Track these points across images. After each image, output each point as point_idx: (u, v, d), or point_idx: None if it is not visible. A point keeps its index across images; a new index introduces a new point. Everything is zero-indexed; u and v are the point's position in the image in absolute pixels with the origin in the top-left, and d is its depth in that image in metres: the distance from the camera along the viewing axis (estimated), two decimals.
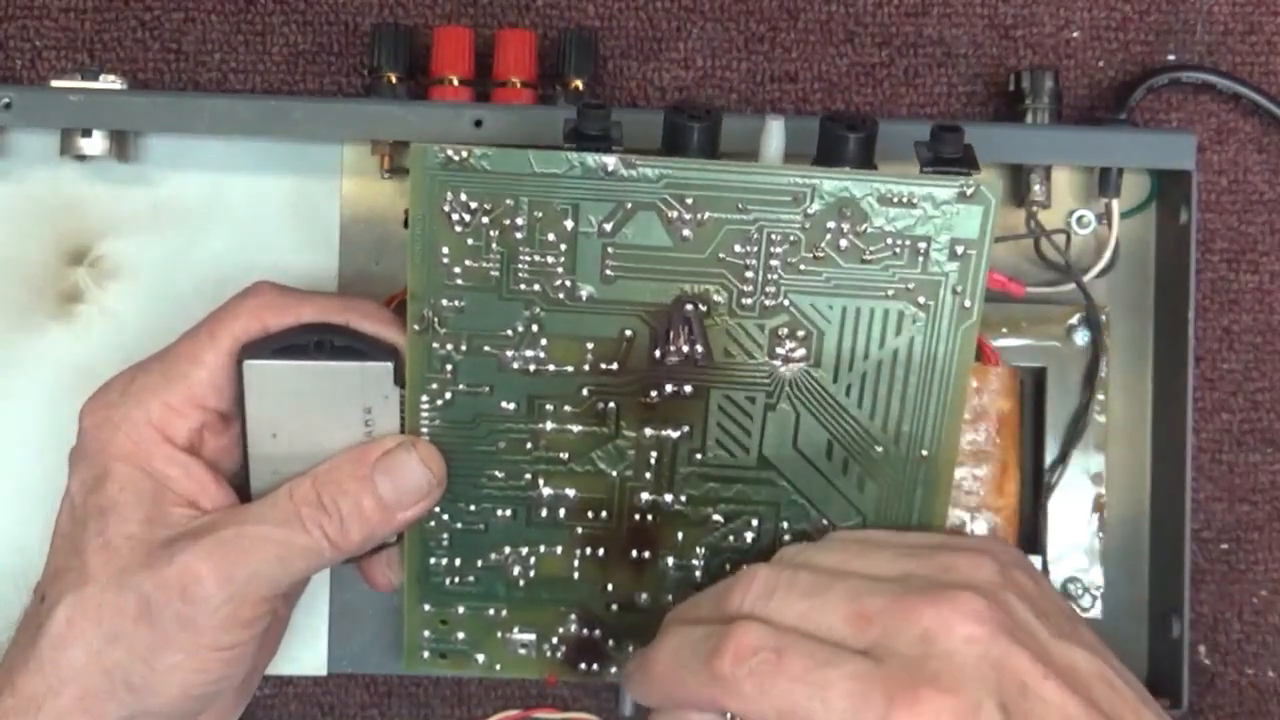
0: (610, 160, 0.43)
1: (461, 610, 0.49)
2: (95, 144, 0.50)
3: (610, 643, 0.49)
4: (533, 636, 0.49)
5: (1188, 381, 0.50)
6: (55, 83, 0.50)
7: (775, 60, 0.55)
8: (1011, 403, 0.52)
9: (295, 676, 0.53)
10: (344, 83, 0.55)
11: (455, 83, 0.51)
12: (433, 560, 0.48)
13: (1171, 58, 0.55)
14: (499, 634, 0.49)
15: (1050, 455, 0.52)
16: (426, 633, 0.49)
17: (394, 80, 0.52)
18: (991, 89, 0.55)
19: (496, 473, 0.47)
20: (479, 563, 0.48)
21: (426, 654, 0.49)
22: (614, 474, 0.47)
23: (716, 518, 0.47)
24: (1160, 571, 0.52)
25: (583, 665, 0.49)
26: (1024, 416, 0.52)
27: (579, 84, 0.52)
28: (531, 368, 0.45)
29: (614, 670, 0.49)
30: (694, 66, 0.55)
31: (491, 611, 0.49)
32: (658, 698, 0.43)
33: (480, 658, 0.49)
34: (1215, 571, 0.55)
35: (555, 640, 0.49)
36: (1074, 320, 0.52)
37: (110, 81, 0.50)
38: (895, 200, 0.43)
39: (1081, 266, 0.52)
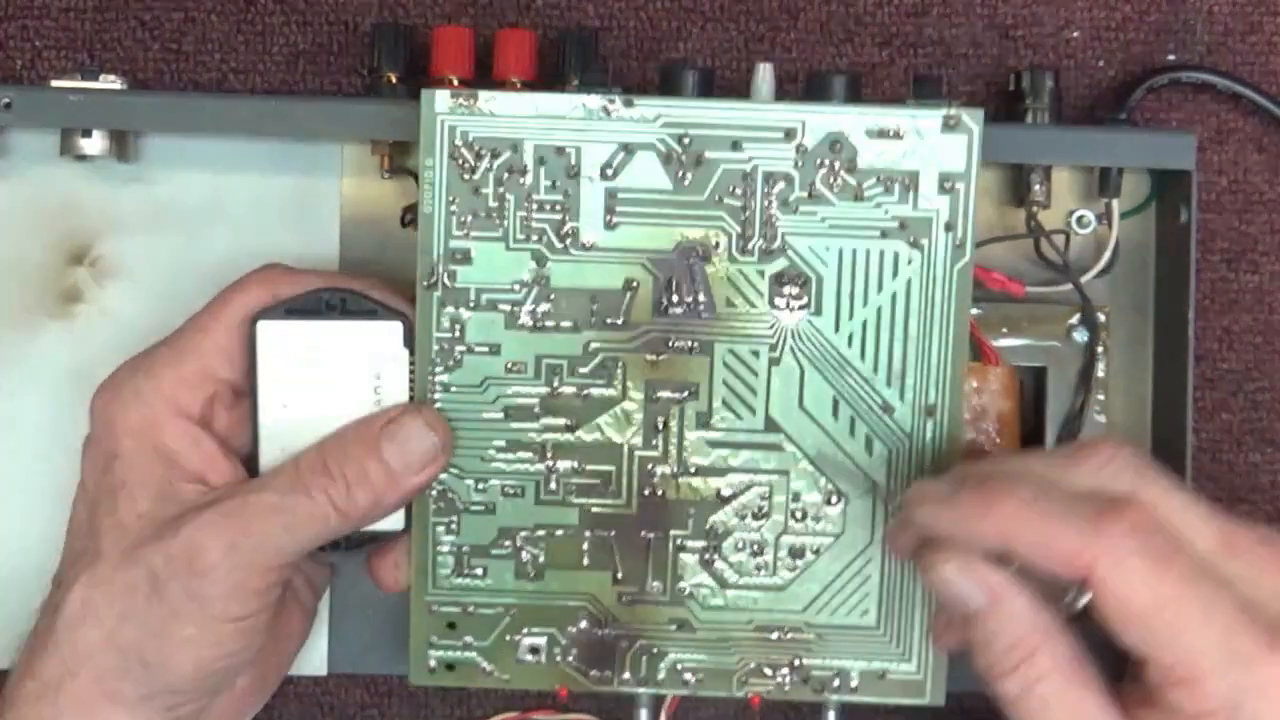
0: (610, 100, 0.45)
1: (469, 609, 0.48)
2: (95, 144, 0.50)
3: (622, 644, 0.49)
4: (542, 640, 0.48)
5: (1188, 381, 0.50)
6: (55, 83, 0.50)
7: (775, 60, 0.54)
8: (1011, 403, 0.52)
9: (295, 676, 0.53)
10: (344, 83, 0.55)
11: (455, 83, 0.51)
12: (441, 550, 0.48)
13: (1171, 58, 0.55)
14: (507, 637, 0.48)
15: None
16: (434, 638, 0.48)
17: (394, 80, 0.52)
18: (991, 89, 0.55)
19: (504, 442, 0.47)
20: (489, 550, 0.48)
21: (433, 664, 0.49)
22: (621, 441, 0.47)
23: (726, 491, 0.47)
24: None
25: (594, 671, 0.48)
26: (1024, 416, 0.52)
27: (579, 84, 0.52)
28: (538, 323, 0.46)
29: (626, 676, 0.49)
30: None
31: (500, 609, 0.48)
32: (979, 532, 0.40)
33: (488, 667, 0.49)
34: None
35: (565, 642, 0.48)
36: (1074, 320, 0.52)
37: (110, 81, 0.50)
38: (882, 133, 0.45)
39: (1081, 266, 0.52)
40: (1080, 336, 0.52)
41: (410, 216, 0.52)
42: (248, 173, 0.52)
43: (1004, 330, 0.52)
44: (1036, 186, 0.52)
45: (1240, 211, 0.55)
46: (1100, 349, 0.52)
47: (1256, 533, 0.41)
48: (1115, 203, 0.52)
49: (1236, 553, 0.40)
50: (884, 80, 0.55)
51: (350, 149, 0.53)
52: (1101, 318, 0.52)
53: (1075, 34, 0.55)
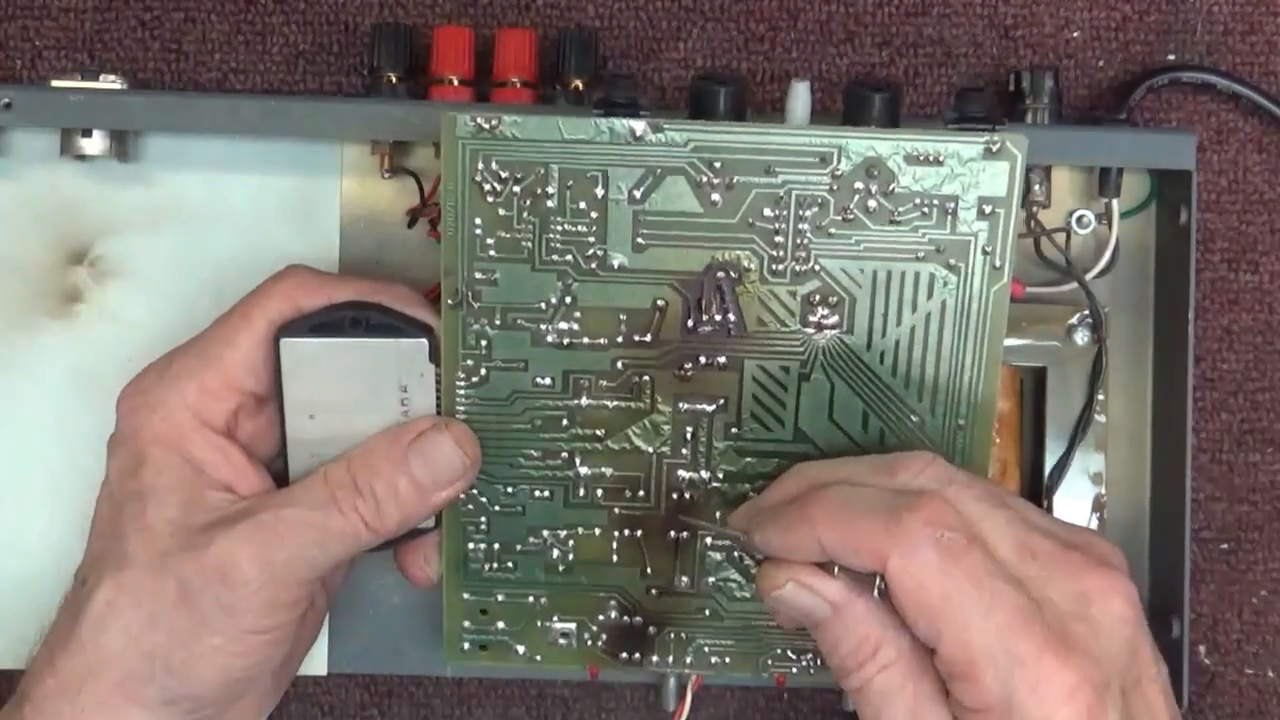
0: (638, 125, 0.44)
1: (501, 598, 0.48)
2: (95, 144, 0.50)
3: (651, 629, 0.49)
4: (573, 626, 0.49)
5: (1188, 381, 0.50)
6: (55, 83, 0.50)
7: (775, 60, 0.55)
8: (1011, 403, 0.52)
9: (295, 676, 0.53)
10: (344, 83, 0.55)
11: (455, 83, 0.51)
12: (471, 546, 0.48)
13: (1171, 58, 0.55)
14: (539, 623, 0.49)
15: (1050, 455, 0.52)
16: (466, 623, 0.49)
17: (394, 80, 0.52)
18: (991, 89, 0.55)
19: (533, 451, 0.47)
20: (518, 547, 0.48)
21: (466, 645, 0.49)
22: (650, 450, 0.47)
23: (753, 494, 0.47)
24: (1160, 571, 0.52)
25: (624, 654, 0.49)
26: (1024, 416, 0.52)
27: (579, 84, 0.52)
28: (566, 341, 0.46)
29: (655, 659, 0.49)
30: (694, 66, 0.55)
31: (531, 599, 0.48)
32: (799, 541, 0.41)
33: (520, 649, 0.49)
34: (1215, 571, 0.55)
35: (595, 628, 0.49)
36: (1074, 320, 0.52)
37: (110, 81, 0.50)
38: (922, 158, 0.44)
39: (1082, 266, 0.52)
40: (1082, 337, 0.52)
41: (414, 219, 0.52)
42: (248, 173, 0.52)
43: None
44: (1036, 186, 0.52)
45: (1240, 211, 0.55)
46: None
47: (1060, 540, 0.42)
48: (1115, 203, 0.52)
49: (1032, 558, 0.41)
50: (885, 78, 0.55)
51: (350, 149, 0.53)
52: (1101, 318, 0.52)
53: (1075, 34, 0.55)
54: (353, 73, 0.55)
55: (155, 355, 0.47)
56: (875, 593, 0.40)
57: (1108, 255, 0.52)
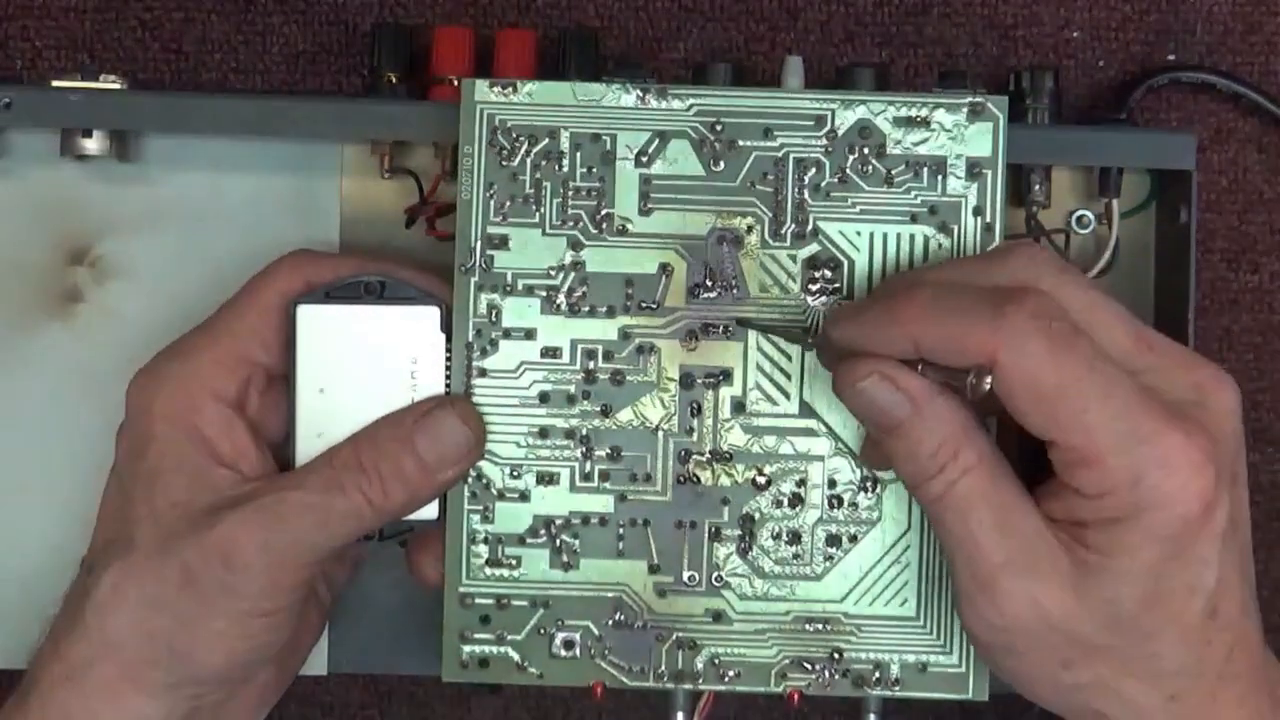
0: (645, 89, 0.47)
1: (503, 602, 0.48)
2: (95, 144, 0.50)
3: (657, 637, 0.48)
4: (577, 635, 0.48)
5: None
6: (55, 83, 0.50)
7: (775, 60, 0.55)
8: None
9: (295, 676, 0.53)
10: (344, 83, 0.55)
11: (455, 83, 0.51)
12: (475, 537, 0.48)
13: (1171, 58, 0.55)
14: (541, 631, 0.48)
15: None
16: (466, 631, 0.48)
17: (394, 80, 0.52)
18: (991, 89, 0.54)
19: (539, 428, 0.47)
20: (523, 539, 0.48)
21: (465, 660, 0.48)
22: (657, 426, 0.47)
23: (761, 478, 0.47)
24: None
25: (630, 667, 0.48)
26: None
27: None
28: (573, 307, 0.47)
29: (661, 670, 0.48)
30: (694, 66, 0.54)
31: (534, 601, 0.48)
32: (888, 336, 0.41)
33: (521, 660, 0.48)
34: None
35: (599, 634, 0.48)
36: None
37: (110, 81, 0.50)
38: (910, 120, 0.47)
39: (1082, 266, 0.52)
40: None
41: (413, 217, 0.52)
42: (248, 173, 0.52)
43: None
44: (1036, 186, 0.52)
45: (1240, 211, 0.55)
46: None
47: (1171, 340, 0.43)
48: (1115, 203, 0.52)
49: (1150, 348, 0.41)
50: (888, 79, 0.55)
51: (350, 149, 0.53)
52: None
53: (1075, 34, 0.55)
54: (353, 73, 0.55)
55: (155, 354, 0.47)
56: (968, 391, 0.39)
57: (1108, 255, 0.52)
